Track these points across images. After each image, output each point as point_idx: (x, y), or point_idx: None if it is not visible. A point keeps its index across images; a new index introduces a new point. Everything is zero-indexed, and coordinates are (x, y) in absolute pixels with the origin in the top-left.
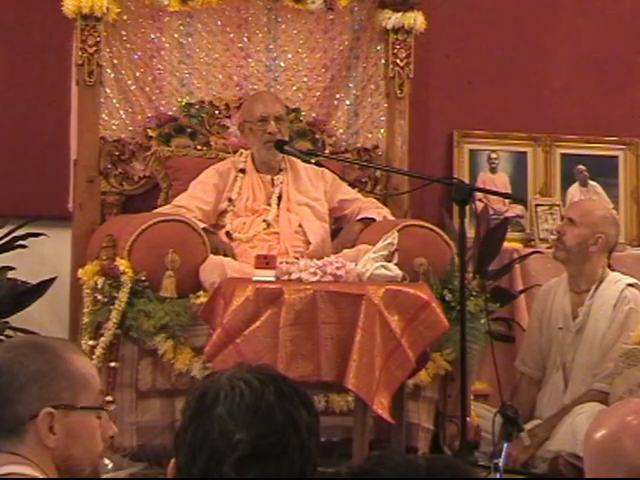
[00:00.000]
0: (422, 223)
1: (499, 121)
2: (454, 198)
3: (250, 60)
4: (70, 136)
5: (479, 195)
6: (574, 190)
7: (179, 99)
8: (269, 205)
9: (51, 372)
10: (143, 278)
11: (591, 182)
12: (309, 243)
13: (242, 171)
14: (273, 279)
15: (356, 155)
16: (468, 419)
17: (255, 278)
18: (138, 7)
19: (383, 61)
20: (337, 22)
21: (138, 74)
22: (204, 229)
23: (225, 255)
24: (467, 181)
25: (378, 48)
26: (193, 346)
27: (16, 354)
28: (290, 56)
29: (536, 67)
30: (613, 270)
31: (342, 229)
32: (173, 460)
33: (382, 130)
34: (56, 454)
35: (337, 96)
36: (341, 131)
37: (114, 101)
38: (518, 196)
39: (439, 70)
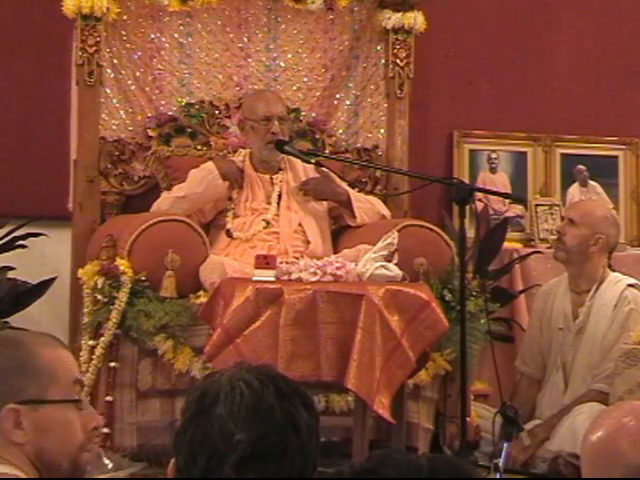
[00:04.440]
0: (422, 223)
1: (499, 121)
2: (454, 198)
3: (250, 60)
4: (70, 136)
5: (479, 195)
6: (574, 190)
7: (179, 99)
8: (269, 204)
9: (17, 368)
10: (143, 278)
11: (591, 182)
12: (309, 242)
13: (241, 170)
14: (273, 279)
15: (356, 155)
16: (468, 419)
17: (255, 278)
18: (138, 7)
19: (383, 61)
20: (337, 22)
21: (138, 74)
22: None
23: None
24: (467, 181)
25: (378, 48)
26: (193, 346)
27: None
28: (290, 56)
29: (536, 67)
30: (613, 270)
31: (341, 229)
32: (173, 460)
33: (382, 130)
34: (27, 449)
35: (337, 96)
36: (341, 131)
37: (114, 101)
38: (518, 196)
39: (439, 70)
